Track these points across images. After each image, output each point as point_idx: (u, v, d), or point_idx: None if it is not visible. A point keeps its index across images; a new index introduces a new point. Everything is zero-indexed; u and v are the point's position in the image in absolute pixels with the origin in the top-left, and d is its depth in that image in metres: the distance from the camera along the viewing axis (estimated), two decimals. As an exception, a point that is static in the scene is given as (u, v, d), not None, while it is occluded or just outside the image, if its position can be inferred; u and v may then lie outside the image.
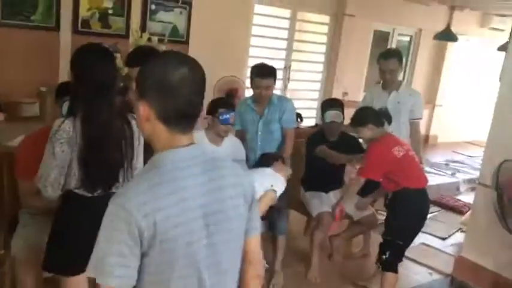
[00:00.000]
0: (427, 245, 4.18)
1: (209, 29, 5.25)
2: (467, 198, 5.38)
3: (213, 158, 1.22)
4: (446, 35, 5.85)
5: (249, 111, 3.23)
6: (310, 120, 6.13)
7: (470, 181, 6.03)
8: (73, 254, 1.87)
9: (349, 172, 3.79)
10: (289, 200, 3.29)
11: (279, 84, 5.73)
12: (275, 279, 3.23)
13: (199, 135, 2.86)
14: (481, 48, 8.34)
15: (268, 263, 3.21)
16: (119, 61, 3.55)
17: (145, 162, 1.50)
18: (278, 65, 5.43)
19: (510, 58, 3.40)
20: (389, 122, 3.08)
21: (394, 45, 7.30)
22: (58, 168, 1.86)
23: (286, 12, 6.18)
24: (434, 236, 4.38)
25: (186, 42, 5.19)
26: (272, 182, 2.63)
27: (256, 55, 5.85)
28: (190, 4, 5.14)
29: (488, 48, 8.16)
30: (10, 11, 4.19)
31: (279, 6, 6.07)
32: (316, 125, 5.68)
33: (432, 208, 5.06)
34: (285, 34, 6.22)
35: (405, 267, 3.50)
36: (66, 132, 1.84)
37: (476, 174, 6.00)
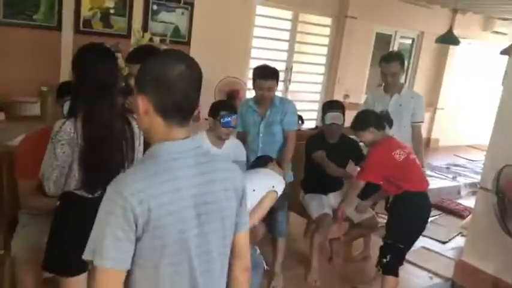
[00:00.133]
0: (428, 249, 4.17)
1: (211, 30, 5.24)
2: (468, 202, 5.37)
3: (207, 152, 1.30)
4: (449, 38, 5.83)
5: (250, 112, 3.22)
6: (310, 122, 6.12)
7: (471, 185, 6.02)
8: (73, 254, 1.85)
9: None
10: (289, 202, 3.29)
11: (280, 85, 5.72)
12: (275, 281, 3.22)
13: (201, 136, 2.86)
14: (483, 51, 8.34)
15: (268, 265, 3.20)
16: (121, 61, 3.55)
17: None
18: (279, 66, 5.43)
19: (513, 62, 3.39)
20: (390, 126, 3.07)
21: (396, 48, 7.31)
22: (59, 168, 1.86)
23: (288, 14, 6.18)
24: (435, 239, 4.37)
25: (188, 43, 5.19)
26: (273, 182, 2.68)
27: (258, 56, 5.85)
28: (192, 5, 5.14)
29: (490, 52, 8.16)
30: (12, 10, 4.19)
31: (281, 8, 6.07)
32: (317, 127, 5.67)
33: (433, 212, 5.01)
34: (286, 36, 6.22)
35: (405, 270, 3.49)
36: (67, 133, 1.84)
37: (477, 178, 6.01)
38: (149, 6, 4.88)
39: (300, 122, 4.46)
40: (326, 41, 6.61)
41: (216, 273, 1.30)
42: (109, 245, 1.12)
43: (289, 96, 6.04)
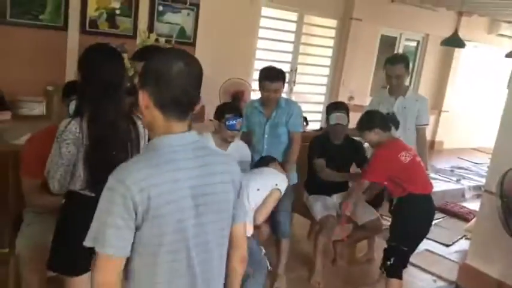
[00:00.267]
0: (431, 252, 4.16)
1: (216, 31, 5.25)
2: (473, 205, 5.35)
3: (205, 146, 1.35)
4: (454, 41, 5.80)
5: (256, 113, 3.21)
6: (315, 123, 6.11)
7: (475, 188, 6.00)
8: (77, 253, 1.85)
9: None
10: (293, 203, 3.29)
11: (284, 87, 5.73)
12: (278, 282, 3.22)
13: (206, 138, 2.86)
14: (489, 54, 8.31)
15: (272, 266, 3.20)
16: (126, 61, 3.56)
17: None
18: (284, 67, 5.41)
19: (518, 65, 3.38)
20: (397, 127, 3.07)
21: (401, 50, 7.30)
22: (64, 167, 1.87)
23: (293, 15, 6.18)
24: (439, 242, 4.36)
25: (193, 44, 5.20)
26: (276, 181, 2.73)
27: (263, 58, 5.85)
28: (197, 6, 5.16)
29: (496, 55, 8.13)
30: (19, 10, 4.21)
31: (286, 9, 6.07)
32: (321, 128, 5.67)
33: (437, 214, 5.01)
34: (291, 37, 6.22)
35: (409, 273, 3.48)
36: (73, 133, 1.84)
37: (481, 181, 5.99)
38: (155, 7, 4.90)
39: (304, 123, 4.47)
40: (331, 42, 6.61)
41: (214, 262, 1.34)
42: (109, 233, 1.17)
43: (294, 98, 6.03)
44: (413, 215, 2.88)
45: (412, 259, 2.97)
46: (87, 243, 1.20)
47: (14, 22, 4.20)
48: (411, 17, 7.02)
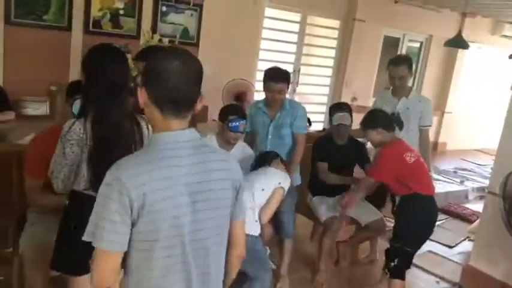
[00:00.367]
0: (435, 253, 4.15)
1: (219, 32, 5.26)
2: (476, 206, 5.34)
3: (203, 144, 1.36)
4: (457, 42, 5.79)
5: (260, 114, 3.20)
6: (318, 124, 6.11)
7: (479, 189, 5.98)
8: (81, 253, 1.86)
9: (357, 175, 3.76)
10: (297, 204, 3.28)
11: (288, 87, 5.73)
12: (281, 283, 3.21)
13: (210, 139, 2.86)
14: (492, 55, 8.29)
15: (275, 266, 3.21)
16: (130, 62, 3.57)
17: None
18: (287, 68, 5.40)
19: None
20: (401, 128, 3.06)
21: (404, 51, 7.28)
22: (68, 167, 1.87)
23: (297, 16, 6.18)
24: (442, 244, 4.34)
25: (197, 45, 5.21)
26: (279, 179, 2.74)
27: (266, 58, 5.86)
28: (201, 6, 5.17)
29: (499, 56, 8.10)
30: (23, 11, 4.23)
31: (290, 10, 6.08)
32: (324, 129, 5.66)
33: (440, 216, 4.99)
34: (294, 38, 6.23)
35: (412, 274, 3.48)
36: (77, 133, 1.85)
37: (485, 182, 5.98)
38: (158, 8, 4.92)
39: (307, 124, 4.46)
40: (334, 43, 6.61)
41: (211, 259, 1.35)
42: (106, 228, 1.20)
43: (297, 98, 6.04)
44: (418, 216, 2.87)
45: (415, 260, 2.96)
46: (86, 237, 1.24)
47: (18, 22, 4.22)
48: (414, 18, 7.02)
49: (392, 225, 3.07)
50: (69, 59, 4.48)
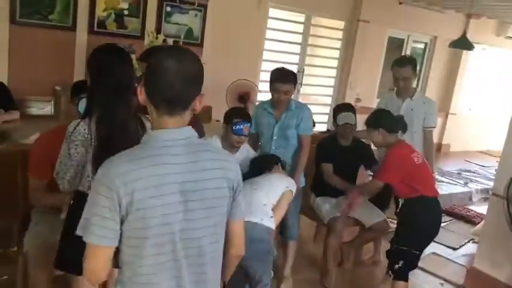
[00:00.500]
0: (438, 255, 4.14)
1: (224, 32, 5.27)
2: (480, 208, 5.32)
3: (199, 143, 1.35)
4: (462, 43, 5.76)
5: (265, 115, 3.19)
6: (322, 125, 6.11)
7: (483, 191, 5.96)
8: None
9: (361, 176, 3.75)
10: (300, 205, 3.28)
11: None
12: (284, 284, 3.21)
13: (214, 141, 2.85)
14: (497, 57, 8.26)
15: (278, 268, 3.20)
16: (134, 62, 3.58)
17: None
18: (291, 69, 5.42)
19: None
20: (404, 131, 3.04)
21: (408, 52, 7.27)
22: (74, 168, 1.88)
23: (301, 17, 6.18)
24: (446, 245, 4.33)
25: (201, 45, 5.22)
26: (285, 183, 2.76)
27: (270, 59, 5.86)
28: (205, 7, 5.17)
29: (504, 58, 8.08)
30: (28, 11, 4.25)
31: (294, 11, 6.08)
32: (328, 130, 5.66)
33: (443, 217, 4.99)
34: (299, 38, 6.22)
35: (416, 276, 3.47)
36: (82, 134, 1.85)
37: (489, 184, 5.95)
38: (163, 8, 4.92)
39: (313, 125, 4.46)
40: (338, 44, 6.60)
41: (205, 258, 1.34)
42: (96, 223, 1.22)
43: (301, 99, 6.03)
44: (425, 218, 2.86)
45: (419, 262, 2.95)
46: (78, 231, 1.26)
47: (23, 22, 4.23)
48: (419, 19, 7.00)
49: (395, 226, 3.06)
50: (73, 59, 4.50)
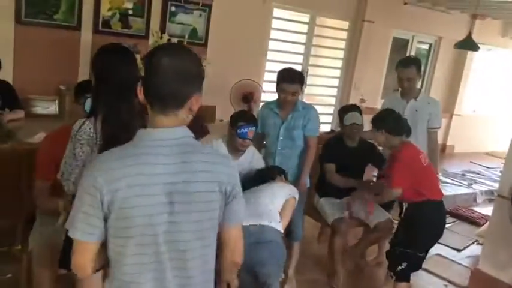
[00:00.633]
0: (443, 256, 4.12)
1: (228, 32, 5.27)
2: (485, 210, 5.30)
3: (192, 144, 1.31)
4: (468, 44, 5.74)
5: (271, 115, 3.17)
6: (326, 125, 6.10)
7: (487, 192, 5.94)
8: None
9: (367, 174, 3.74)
10: (305, 206, 3.27)
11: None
12: (288, 285, 3.20)
13: (217, 144, 2.84)
14: (502, 58, 8.22)
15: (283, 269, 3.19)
16: (139, 62, 3.58)
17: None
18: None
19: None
20: (408, 135, 3.00)
21: (413, 53, 7.24)
22: (79, 168, 1.87)
23: (305, 17, 6.17)
24: (450, 247, 4.31)
25: (205, 45, 5.22)
26: (288, 191, 2.74)
27: (274, 59, 5.85)
28: (210, 7, 5.17)
29: (509, 58, 8.04)
30: (33, 10, 4.26)
31: (298, 11, 6.07)
32: (332, 130, 5.65)
33: (448, 219, 4.98)
34: (303, 39, 6.21)
35: (420, 278, 3.46)
36: (87, 133, 1.85)
37: (494, 185, 5.93)
38: (167, 8, 4.93)
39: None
40: (343, 44, 6.59)
41: (193, 262, 1.30)
42: (80, 219, 1.23)
43: (305, 100, 6.02)
44: (431, 222, 2.86)
45: (423, 264, 2.93)
46: (66, 226, 1.27)
47: (28, 22, 4.25)
48: (424, 19, 6.98)
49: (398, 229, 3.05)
50: (78, 58, 4.51)
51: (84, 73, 4.30)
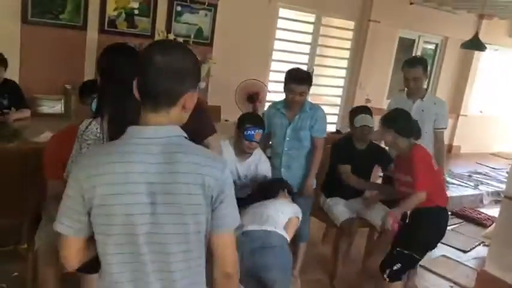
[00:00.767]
0: (448, 258, 4.10)
1: (233, 32, 5.27)
2: (491, 211, 5.27)
3: (179, 143, 1.25)
4: (474, 44, 5.70)
5: (278, 115, 3.15)
6: (331, 126, 6.08)
7: (494, 194, 5.90)
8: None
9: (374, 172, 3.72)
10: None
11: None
12: (293, 285, 3.19)
13: (223, 145, 2.79)
14: (509, 58, 8.17)
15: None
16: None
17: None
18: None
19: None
20: (417, 138, 2.96)
21: (419, 53, 7.21)
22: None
23: (311, 17, 6.16)
24: (456, 248, 4.29)
25: (211, 45, 5.23)
26: (293, 210, 2.70)
27: (279, 59, 5.85)
28: (215, 7, 5.17)
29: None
30: (39, 10, 4.28)
31: (304, 11, 6.06)
32: (337, 131, 5.64)
33: (454, 220, 4.97)
34: (308, 39, 6.20)
35: (425, 279, 3.45)
36: (94, 133, 1.85)
37: (500, 187, 5.89)
38: (173, 7, 4.93)
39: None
40: (348, 44, 6.57)
41: (176, 266, 1.25)
42: (64, 213, 1.24)
43: (310, 99, 6.01)
44: (436, 227, 2.86)
45: (428, 264, 2.93)
46: (56, 218, 1.28)
47: (35, 21, 4.27)
48: (430, 19, 6.94)
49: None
50: (84, 58, 4.53)
51: (89, 72, 4.32)
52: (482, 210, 5.47)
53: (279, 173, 3.14)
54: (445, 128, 3.68)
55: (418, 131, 2.94)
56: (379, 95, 6.81)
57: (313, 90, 6.29)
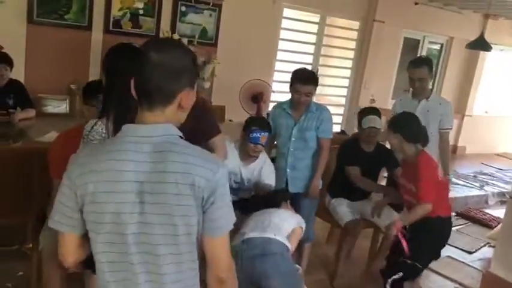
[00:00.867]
0: (453, 259, 4.08)
1: (238, 32, 5.27)
2: (496, 212, 5.24)
3: (172, 142, 1.22)
4: (480, 44, 5.67)
5: (283, 115, 3.14)
6: (336, 126, 6.06)
7: (499, 194, 5.87)
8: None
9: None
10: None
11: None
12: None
13: (229, 147, 2.78)
14: (514, 58, 8.13)
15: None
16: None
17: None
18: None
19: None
20: (424, 145, 2.92)
21: (424, 53, 7.18)
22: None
23: (315, 17, 6.15)
24: (461, 249, 4.27)
25: (215, 45, 5.23)
26: (296, 220, 2.68)
27: (284, 59, 5.84)
28: (220, 7, 5.17)
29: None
30: (45, 10, 4.30)
31: (308, 11, 6.05)
32: (342, 131, 5.62)
33: (459, 220, 4.95)
34: (313, 39, 6.19)
35: (430, 280, 3.43)
36: (99, 133, 1.85)
37: (506, 187, 5.87)
38: (178, 8, 4.94)
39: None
40: (353, 44, 6.56)
41: (166, 268, 1.22)
42: (58, 210, 1.26)
43: (315, 99, 6.00)
44: (439, 237, 2.85)
45: (433, 266, 2.92)
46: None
47: (40, 21, 4.28)
48: (435, 19, 6.92)
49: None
50: (89, 58, 4.54)
51: (94, 73, 4.33)
52: (487, 211, 5.44)
53: (284, 174, 3.13)
54: (451, 129, 3.66)
55: (425, 137, 2.88)
56: (384, 95, 6.79)
57: (317, 90, 6.28)
